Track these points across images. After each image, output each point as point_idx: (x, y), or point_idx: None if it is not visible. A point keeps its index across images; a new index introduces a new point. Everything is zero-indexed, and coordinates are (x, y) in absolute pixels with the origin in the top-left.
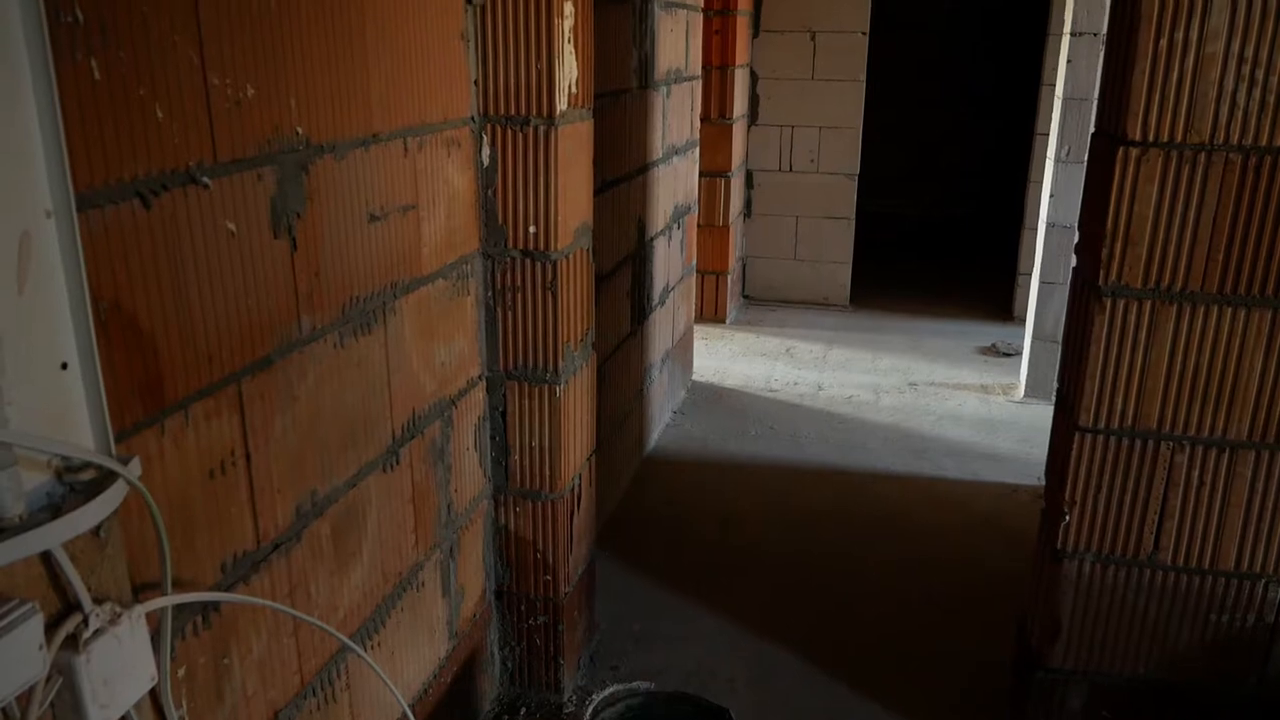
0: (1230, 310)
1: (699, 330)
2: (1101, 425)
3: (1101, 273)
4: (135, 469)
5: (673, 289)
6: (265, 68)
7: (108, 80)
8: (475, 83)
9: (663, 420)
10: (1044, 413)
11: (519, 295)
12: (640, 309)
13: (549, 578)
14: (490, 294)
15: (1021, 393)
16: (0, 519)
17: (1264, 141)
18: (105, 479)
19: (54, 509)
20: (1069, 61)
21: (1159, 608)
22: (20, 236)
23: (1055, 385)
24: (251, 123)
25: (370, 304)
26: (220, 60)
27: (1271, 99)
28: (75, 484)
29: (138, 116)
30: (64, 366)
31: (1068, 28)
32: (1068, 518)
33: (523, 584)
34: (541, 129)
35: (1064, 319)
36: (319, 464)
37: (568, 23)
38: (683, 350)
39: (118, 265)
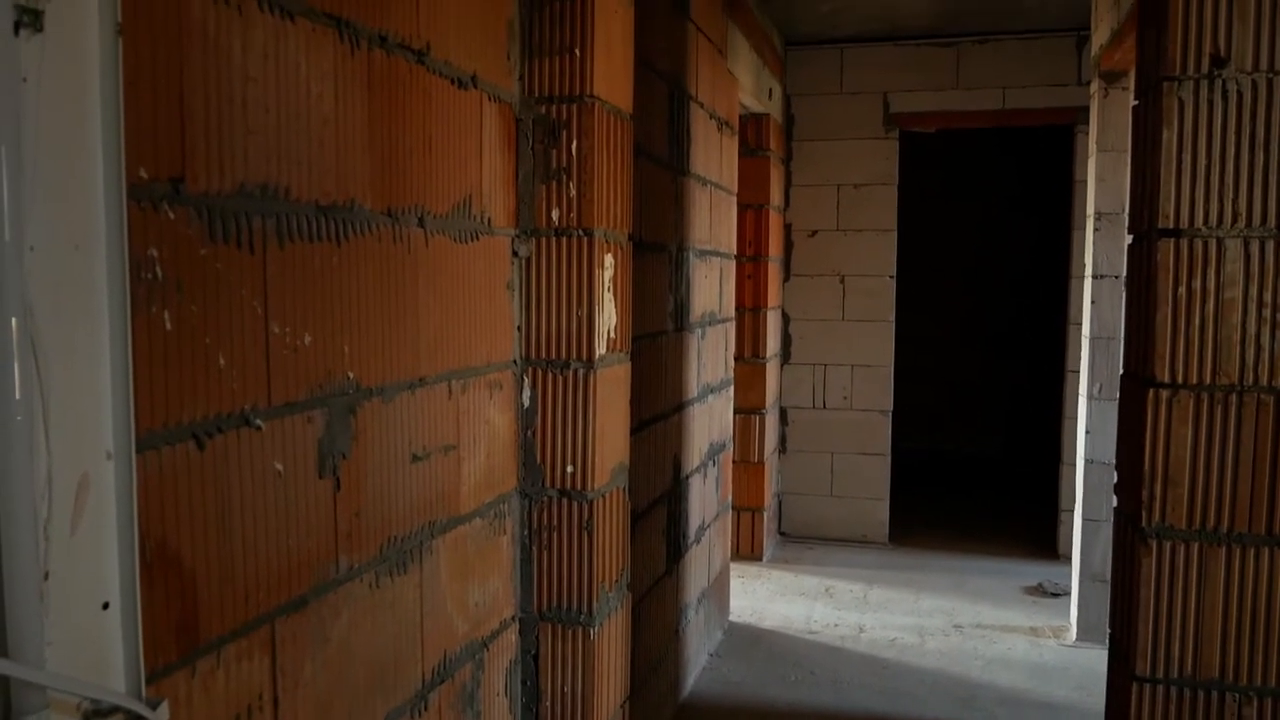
0: None
1: (735, 568)
2: (1160, 674)
3: (1144, 514)
4: (164, 714)
5: (708, 526)
6: (323, 316)
7: (178, 330)
8: (519, 328)
9: (699, 663)
10: (1099, 657)
11: (555, 535)
12: (676, 547)
13: None
14: (526, 533)
15: (1073, 635)
16: None
17: None
18: None
19: None
20: (1093, 302)
21: None
22: (79, 478)
23: (1108, 629)
24: (306, 368)
25: (408, 544)
26: (282, 310)
27: None
28: None
29: (201, 363)
30: (105, 606)
31: (1089, 270)
32: None
33: None
34: (581, 372)
35: (1110, 558)
36: (346, 710)
37: (608, 273)
38: (719, 589)
39: (167, 505)
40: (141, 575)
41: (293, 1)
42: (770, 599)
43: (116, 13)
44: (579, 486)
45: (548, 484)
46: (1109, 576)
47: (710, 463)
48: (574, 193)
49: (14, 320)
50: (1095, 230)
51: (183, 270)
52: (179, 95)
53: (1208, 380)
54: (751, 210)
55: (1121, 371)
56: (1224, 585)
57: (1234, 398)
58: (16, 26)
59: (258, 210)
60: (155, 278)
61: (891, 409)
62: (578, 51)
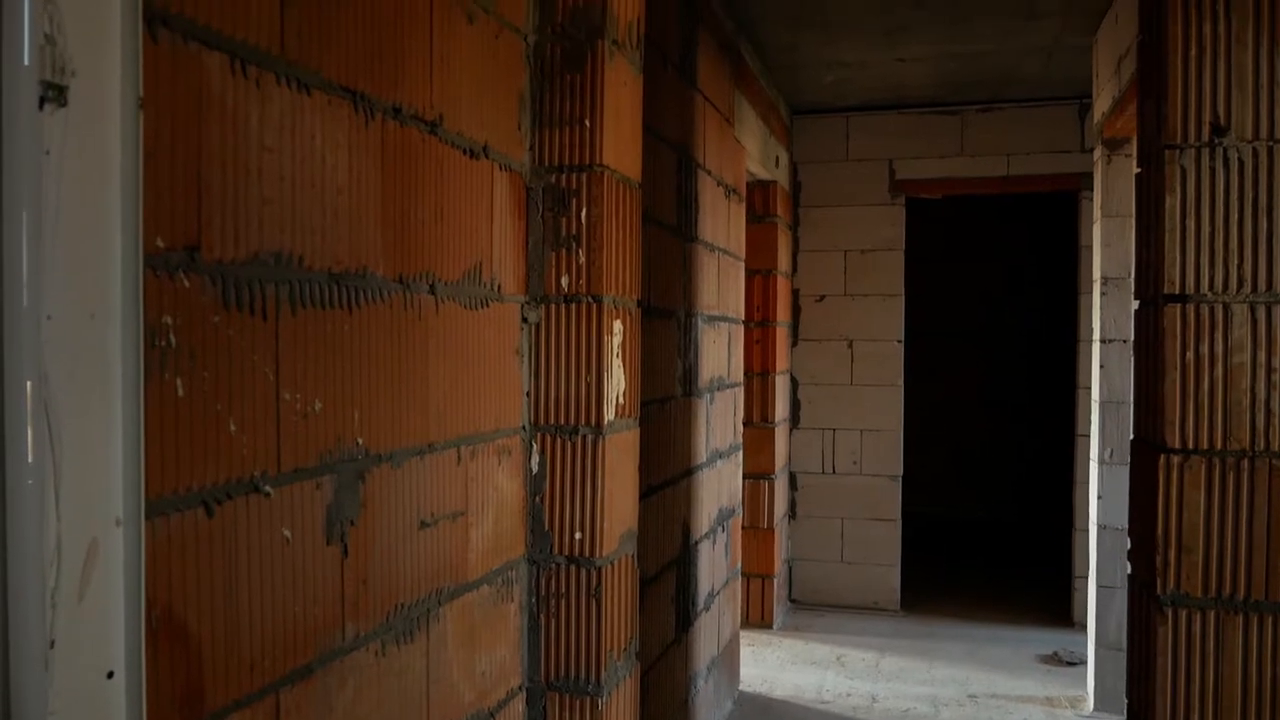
0: None
1: (745, 636)
2: None
3: (1158, 581)
4: None
5: (718, 593)
6: (334, 383)
7: (189, 397)
8: (527, 394)
9: None
10: None
11: (563, 602)
12: (685, 615)
13: None
14: (534, 600)
15: (1090, 706)
16: None
17: None
18: None
19: None
20: (1101, 366)
21: None
22: (88, 544)
23: (1126, 699)
24: (316, 434)
25: (414, 611)
26: (294, 377)
27: None
28: None
29: (212, 430)
30: (110, 675)
31: (1097, 334)
32: None
33: None
34: (590, 438)
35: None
36: None
37: (616, 339)
38: (729, 658)
39: (175, 572)
40: (147, 644)
41: (309, 75)
42: (781, 667)
43: (138, 87)
44: (587, 553)
45: (556, 551)
46: (1125, 645)
47: (719, 528)
48: (583, 260)
49: (29, 385)
50: (1102, 295)
51: (196, 337)
52: (197, 166)
53: (1219, 445)
54: (759, 276)
55: (1132, 436)
56: (1242, 654)
57: (1246, 463)
58: (41, 101)
59: (271, 278)
60: (169, 345)
61: (902, 474)
62: (588, 122)
